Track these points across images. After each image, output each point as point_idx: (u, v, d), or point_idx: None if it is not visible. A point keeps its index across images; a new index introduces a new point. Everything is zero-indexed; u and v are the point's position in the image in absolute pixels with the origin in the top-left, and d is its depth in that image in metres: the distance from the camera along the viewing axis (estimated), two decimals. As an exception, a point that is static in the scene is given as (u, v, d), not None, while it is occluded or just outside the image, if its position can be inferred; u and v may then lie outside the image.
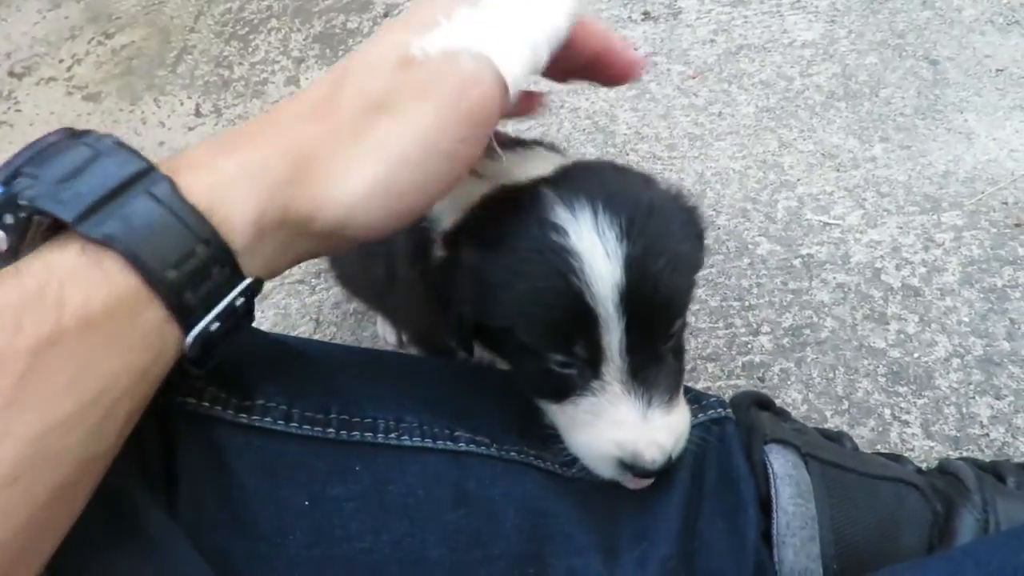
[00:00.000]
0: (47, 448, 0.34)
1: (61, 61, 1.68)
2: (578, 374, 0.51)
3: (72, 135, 0.39)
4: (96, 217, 0.35)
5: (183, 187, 0.38)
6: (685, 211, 0.56)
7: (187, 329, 0.38)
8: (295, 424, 0.49)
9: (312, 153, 0.41)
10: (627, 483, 0.55)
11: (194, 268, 0.37)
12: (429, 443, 0.51)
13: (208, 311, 0.39)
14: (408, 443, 0.51)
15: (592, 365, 0.51)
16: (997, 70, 1.13)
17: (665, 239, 0.51)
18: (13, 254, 0.37)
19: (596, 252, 0.49)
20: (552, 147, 0.69)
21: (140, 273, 0.36)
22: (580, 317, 0.49)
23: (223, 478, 0.46)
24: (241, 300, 0.40)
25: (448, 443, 0.52)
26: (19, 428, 0.33)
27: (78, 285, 0.35)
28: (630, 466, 0.51)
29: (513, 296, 0.50)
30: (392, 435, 0.51)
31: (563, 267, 0.49)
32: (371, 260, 0.73)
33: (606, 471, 0.53)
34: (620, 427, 0.51)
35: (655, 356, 0.52)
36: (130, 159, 0.38)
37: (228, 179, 0.39)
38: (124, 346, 0.36)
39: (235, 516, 0.46)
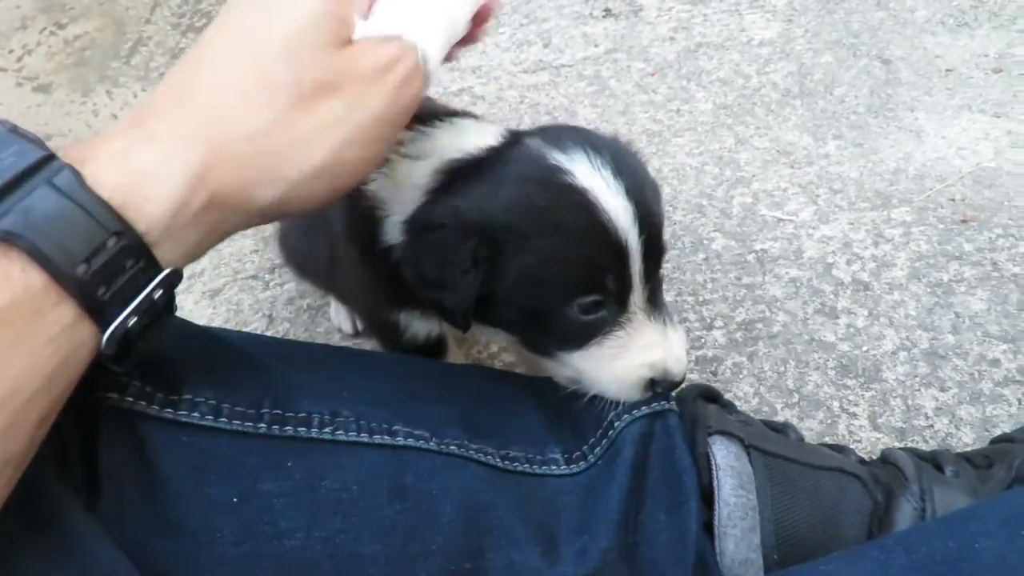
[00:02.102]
0: None
1: (11, 51, 1.63)
2: (607, 313, 0.54)
3: None
4: None
5: (92, 177, 0.36)
6: (632, 149, 0.61)
7: (103, 327, 0.37)
8: (225, 419, 0.47)
9: (247, 135, 0.40)
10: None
11: (105, 262, 0.36)
12: (365, 438, 0.50)
13: (124, 307, 0.37)
14: (343, 438, 0.50)
15: (621, 298, 0.54)
16: (947, 70, 1.15)
17: (642, 172, 0.57)
18: None
19: (604, 188, 0.52)
20: (477, 117, 0.69)
21: (46, 270, 0.34)
22: (614, 250, 0.52)
23: (147, 476, 0.45)
24: (160, 292, 0.39)
25: (386, 437, 0.51)
26: None
27: None
28: (659, 382, 0.56)
29: (540, 243, 0.52)
30: (327, 429, 0.49)
31: (586, 204, 0.52)
32: (315, 238, 0.72)
33: (634, 394, 0.57)
34: (649, 350, 0.55)
35: (658, 280, 0.57)
36: (28, 148, 0.36)
37: (145, 170, 0.38)
38: (31, 347, 0.34)
39: (160, 514, 0.45)
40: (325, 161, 0.42)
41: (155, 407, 0.46)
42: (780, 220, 1.01)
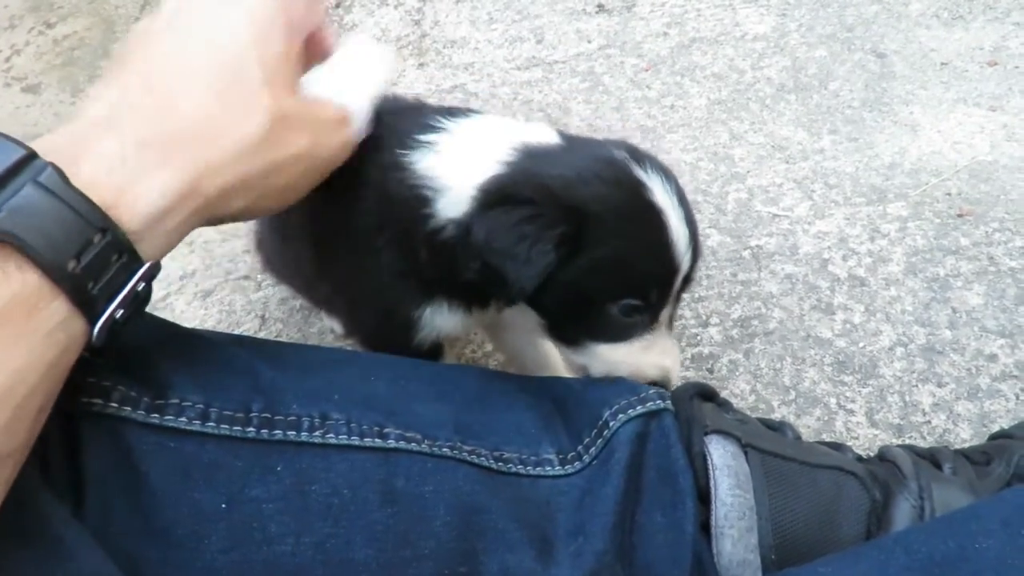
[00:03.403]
0: None
1: (-1, 52, 1.61)
2: (640, 318, 0.61)
3: None
4: None
5: (86, 175, 0.38)
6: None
7: (93, 320, 0.38)
8: (212, 424, 0.47)
9: (236, 156, 0.45)
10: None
11: (93, 258, 0.37)
12: (356, 440, 0.49)
13: (111, 300, 0.39)
14: (334, 441, 0.49)
15: (655, 311, 0.61)
16: (942, 63, 1.15)
17: (690, 206, 0.61)
18: None
19: (673, 214, 0.58)
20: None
21: (40, 268, 0.36)
22: (669, 270, 0.59)
23: (133, 482, 0.44)
24: (142, 285, 0.41)
25: (377, 440, 0.50)
26: None
27: None
28: (658, 383, 0.63)
29: (616, 243, 0.57)
30: (317, 433, 0.49)
31: (660, 223, 0.57)
32: (296, 243, 0.70)
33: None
34: (663, 357, 0.63)
35: (680, 302, 0.64)
36: (8, 146, 0.37)
37: (139, 173, 0.40)
38: (30, 342, 0.36)
39: (147, 522, 0.44)
40: (287, 184, 0.50)
41: (140, 412, 0.45)
42: (775, 216, 1.00)
